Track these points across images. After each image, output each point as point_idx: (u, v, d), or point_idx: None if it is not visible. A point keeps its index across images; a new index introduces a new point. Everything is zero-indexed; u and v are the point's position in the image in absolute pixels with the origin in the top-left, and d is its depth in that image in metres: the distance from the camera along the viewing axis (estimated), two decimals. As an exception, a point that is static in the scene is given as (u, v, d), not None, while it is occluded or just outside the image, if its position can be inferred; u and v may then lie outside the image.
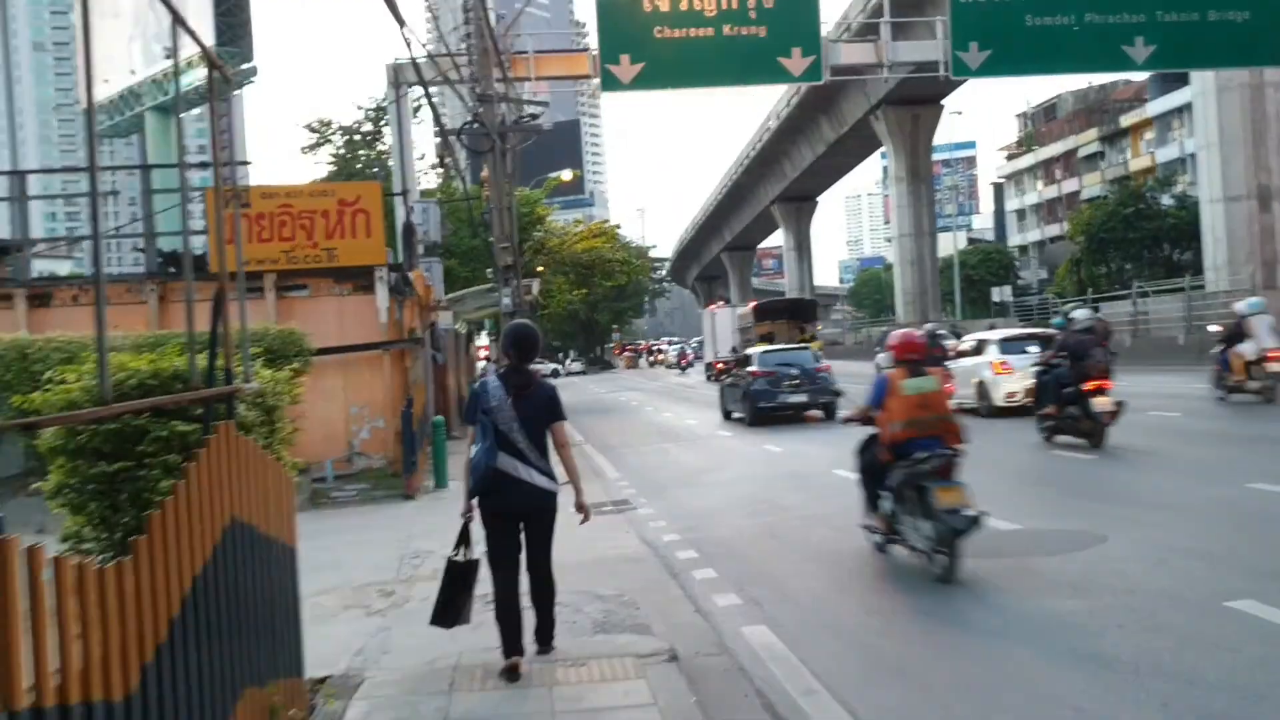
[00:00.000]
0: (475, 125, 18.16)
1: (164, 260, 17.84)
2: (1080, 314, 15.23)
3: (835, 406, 20.26)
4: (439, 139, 19.40)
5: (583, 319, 69.80)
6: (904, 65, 30.18)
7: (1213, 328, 21.87)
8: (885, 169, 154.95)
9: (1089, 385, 13.42)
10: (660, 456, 18.14)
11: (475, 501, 5.83)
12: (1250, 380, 17.31)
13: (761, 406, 20.78)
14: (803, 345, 25.74)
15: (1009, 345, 18.73)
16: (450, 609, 5.92)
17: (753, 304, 43.99)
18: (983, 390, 18.62)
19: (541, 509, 5.90)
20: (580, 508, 6.21)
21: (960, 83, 58.61)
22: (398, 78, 23.02)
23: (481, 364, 41.23)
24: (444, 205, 22.22)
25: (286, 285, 17.59)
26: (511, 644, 5.75)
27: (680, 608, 7.52)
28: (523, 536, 5.95)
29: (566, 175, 43.60)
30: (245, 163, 22.10)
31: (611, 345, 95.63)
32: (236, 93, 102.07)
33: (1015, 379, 17.64)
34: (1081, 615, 6.36)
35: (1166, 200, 59.18)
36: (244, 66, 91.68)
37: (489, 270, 21.32)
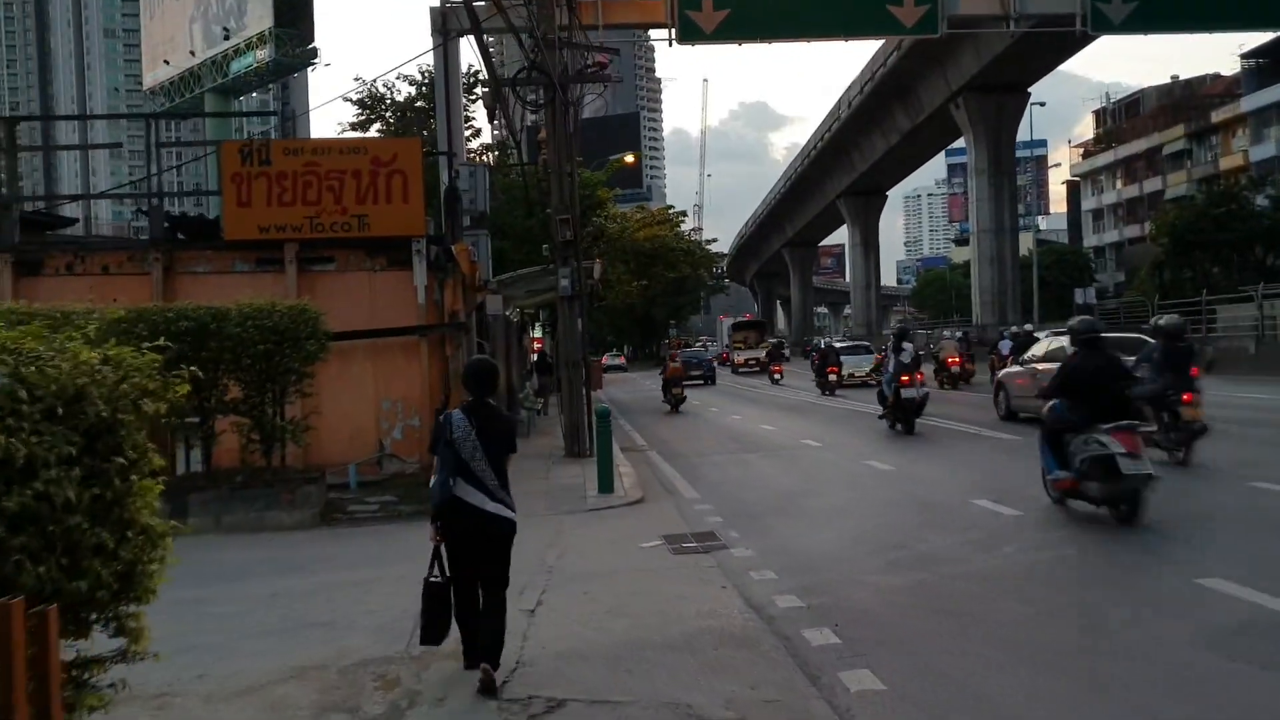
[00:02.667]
0: (533, 73, 15.51)
1: (172, 225, 15.41)
2: (1167, 320, 14.04)
3: None
4: (488, 90, 16.72)
5: (639, 313, 67.01)
6: (1031, 17, 27.03)
7: None
8: (949, 166, 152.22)
9: (1187, 396, 12.68)
10: (741, 470, 15.37)
11: (437, 526, 6.05)
12: None
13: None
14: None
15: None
16: (436, 628, 6.05)
17: (731, 321, 68.46)
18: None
19: (498, 535, 6.01)
20: None
21: (1059, 62, 55.50)
22: (444, 23, 20.43)
23: (534, 358, 38.59)
24: (494, 172, 19.72)
25: (310, 257, 15.11)
26: (472, 652, 5.99)
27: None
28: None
29: (629, 158, 40.93)
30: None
31: (668, 341, 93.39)
32: (297, 75, 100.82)
33: None
34: None
35: (1261, 201, 55.79)
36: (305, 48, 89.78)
37: (545, 247, 18.63)
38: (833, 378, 31.82)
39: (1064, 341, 15.27)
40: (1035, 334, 25.44)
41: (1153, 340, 13.93)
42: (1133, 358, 12.73)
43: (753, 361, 54.25)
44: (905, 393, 18.16)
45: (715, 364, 48.56)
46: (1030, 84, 57.01)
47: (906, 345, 18.99)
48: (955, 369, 30.49)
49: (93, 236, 19.91)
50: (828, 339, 33.15)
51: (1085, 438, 9.25)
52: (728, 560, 8.73)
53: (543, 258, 19.29)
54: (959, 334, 38.59)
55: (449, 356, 15.11)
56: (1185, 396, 12.65)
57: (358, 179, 14.93)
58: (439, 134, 16.67)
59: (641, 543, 9.67)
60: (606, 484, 12.75)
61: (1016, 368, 19.69)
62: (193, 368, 4.23)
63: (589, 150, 33.48)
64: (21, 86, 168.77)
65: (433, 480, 6.04)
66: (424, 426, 14.40)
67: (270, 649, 6.64)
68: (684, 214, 59.22)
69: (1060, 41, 51.12)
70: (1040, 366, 17.69)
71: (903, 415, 18.33)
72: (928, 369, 26.02)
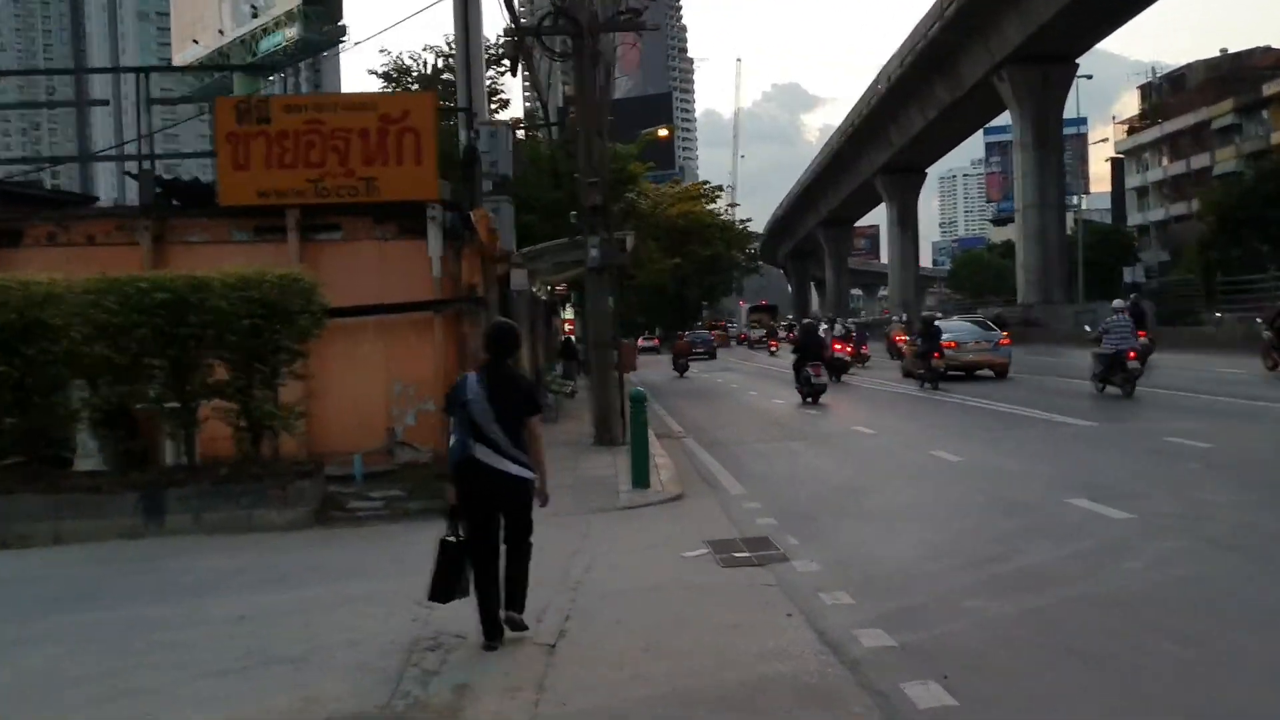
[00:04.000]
0: (559, 20, 13.97)
1: (163, 190, 14.05)
2: (1120, 301, 22.75)
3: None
4: (511, 39, 15.16)
5: (671, 294, 65.39)
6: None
7: None
8: (988, 145, 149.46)
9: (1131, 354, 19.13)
10: (789, 461, 13.87)
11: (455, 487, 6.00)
12: None
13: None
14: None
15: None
16: (447, 587, 5.89)
17: (749, 306, 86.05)
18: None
19: (515, 495, 5.97)
20: (541, 493, 6.12)
21: (1109, 30, 53.34)
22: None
23: (566, 339, 37.04)
24: (521, 142, 18.26)
25: (314, 225, 13.70)
26: (490, 626, 5.88)
27: None
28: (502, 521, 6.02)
29: (662, 131, 39.35)
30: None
31: (700, 323, 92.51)
32: (327, 55, 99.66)
33: None
34: None
35: None
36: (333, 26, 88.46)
37: (572, 214, 17.06)
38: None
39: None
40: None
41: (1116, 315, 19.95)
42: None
43: (762, 338, 68.13)
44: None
45: (715, 342, 59.49)
46: (1078, 55, 55.06)
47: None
48: (900, 345, 34.74)
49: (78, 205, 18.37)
50: (819, 318, 33.34)
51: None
52: (789, 576, 7.24)
53: (572, 228, 17.64)
54: (903, 317, 46.78)
55: (466, 335, 13.69)
56: (1130, 354, 18.90)
57: (365, 138, 13.49)
58: (458, 87, 15.15)
59: (684, 550, 8.20)
60: (641, 477, 11.27)
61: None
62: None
63: (621, 130, 31.97)
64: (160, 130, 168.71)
65: (450, 441, 6.08)
66: (439, 411, 13.00)
67: (220, 695, 5.25)
68: (720, 188, 57.23)
69: (1110, 6, 49.15)
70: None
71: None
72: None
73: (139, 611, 7.10)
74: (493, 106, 28.82)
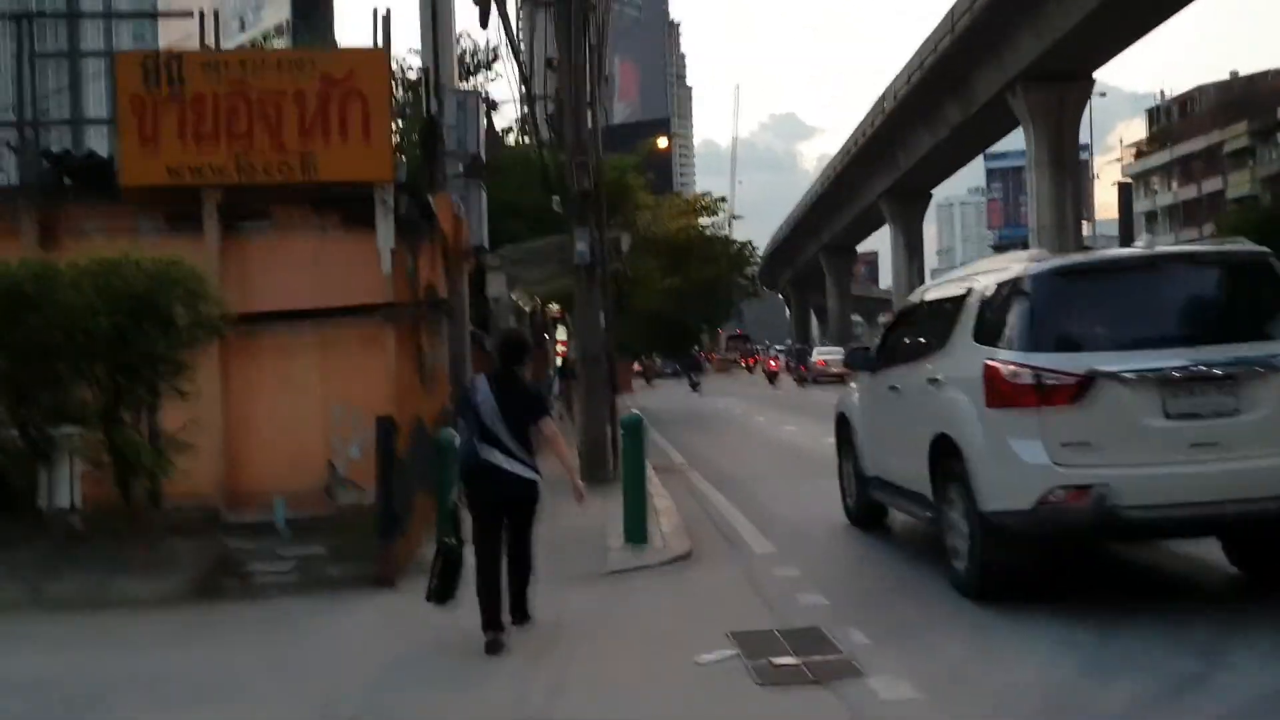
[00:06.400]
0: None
1: (53, 165, 11.44)
2: None
3: None
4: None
5: (669, 318, 62.75)
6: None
7: None
8: (989, 171, 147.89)
9: None
10: (823, 505, 11.19)
11: (463, 490, 6.25)
12: None
13: None
14: None
15: None
16: (443, 589, 6.14)
17: (727, 336, 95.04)
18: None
19: (523, 497, 6.25)
20: (575, 489, 6.59)
21: (1127, 43, 51.23)
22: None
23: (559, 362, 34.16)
24: (491, 103, 15.84)
25: (239, 213, 11.14)
26: (492, 619, 6.01)
27: None
28: (506, 522, 6.28)
29: (663, 142, 36.92)
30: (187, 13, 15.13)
31: (699, 350, 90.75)
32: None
33: None
34: None
35: None
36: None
37: (555, 200, 14.32)
38: None
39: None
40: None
41: None
42: None
43: (737, 359, 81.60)
44: None
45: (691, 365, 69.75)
46: (1093, 70, 52.89)
47: None
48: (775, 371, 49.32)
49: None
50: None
51: None
52: (868, 705, 4.63)
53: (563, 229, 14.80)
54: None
55: (424, 348, 11.10)
56: None
57: (301, 105, 10.93)
58: (421, 42, 12.57)
59: (699, 651, 5.60)
60: (637, 530, 8.60)
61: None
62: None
63: (612, 146, 29.61)
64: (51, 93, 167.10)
65: (458, 442, 6.56)
66: (401, 438, 10.36)
67: None
68: (723, 199, 54.42)
69: (1129, 20, 47.05)
70: None
71: None
72: None
73: None
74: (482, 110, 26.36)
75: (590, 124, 11.70)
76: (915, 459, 7.26)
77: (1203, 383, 6.03)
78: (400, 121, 23.45)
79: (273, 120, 10.92)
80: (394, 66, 23.80)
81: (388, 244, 10.85)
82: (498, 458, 6.04)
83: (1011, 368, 6.25)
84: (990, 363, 6.40)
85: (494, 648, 5.86)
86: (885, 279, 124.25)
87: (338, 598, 7.23)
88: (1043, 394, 6.09)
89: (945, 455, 6.80)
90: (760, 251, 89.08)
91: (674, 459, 16.48)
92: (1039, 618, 6.08)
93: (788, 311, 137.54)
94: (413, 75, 25.81)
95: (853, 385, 10.25)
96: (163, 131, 10.94)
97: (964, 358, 6.85)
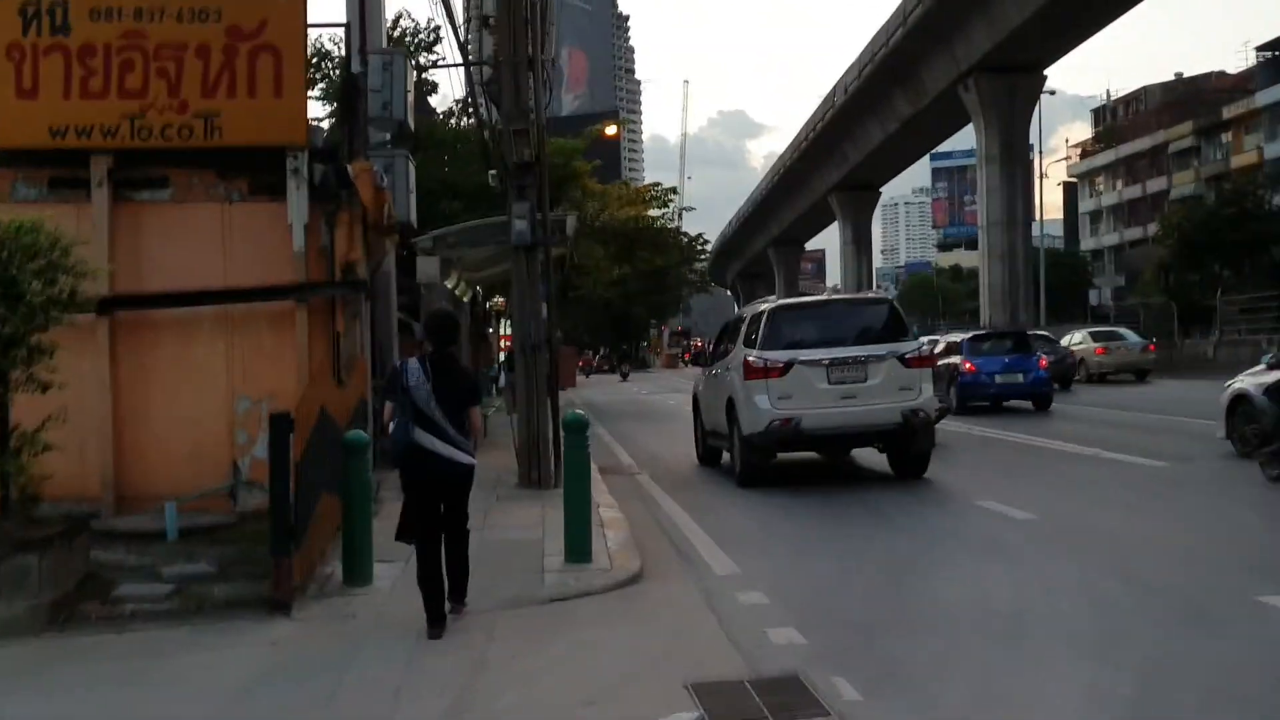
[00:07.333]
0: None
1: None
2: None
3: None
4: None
5: (617, 310, 61.55)
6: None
7: None
8: (934, 170, 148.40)
9: None
10: (787, 517, 10.12)
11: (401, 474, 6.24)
12: None
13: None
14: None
15: None
16: (407, 529, 6.16)
17: (669, 331, 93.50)
18: None
19: (456, 480, 6.18)
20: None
21: (1080, 39, 51.06)
22: None
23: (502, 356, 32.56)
24: (418, 66, 14.44)
25: (133, 179, 9.88)
26: (435, 612, 5.99)
27: None
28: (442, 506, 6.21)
29: (611, 129, 35.77)
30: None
31: (646, 344, 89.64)
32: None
33: None
34: None
35: (1278, 200, 53.54)
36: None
37: (491, 174, 13.07)
38: None
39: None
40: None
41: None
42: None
43: (683, 356, 79.69)
44: None
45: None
46: (1047, 65, 52.65)
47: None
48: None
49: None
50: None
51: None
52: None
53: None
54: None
55: (340, 332, 9.90)
56: None
57: (205, 58, 9.73)
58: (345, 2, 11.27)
59: (652, 708, 4.50)
60: (580, 547, 7.41)
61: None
62: None
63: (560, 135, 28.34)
64: None
65: (390, 426, 6.21)
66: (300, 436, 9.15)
67: None
68: (673, 190, 53.18)
69: (1081, 17, 46.82)
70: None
71: None
72: None
73: None
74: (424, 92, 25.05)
75: (531, 86, 10.54)
76: (720, 413, 12.55)
77: (848, 364, 11.27)
78: (320, 88, 21.91)
79: (172, 76, 9.73)
80: (314, 37, 21.96)
81: (301, 217, 9.68)
82: (434, 443, 5.96)
83: (754, 358, 11.51)
84: (747, 357, 11.61)
85: (435, 636, 5.90)
86: (832, 276, 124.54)
87: (221, 627, 6.06)
88: (767, 372, 11.31)
89: (730, 409, 11.97)
90: (710, 246, 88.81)
91: (622, 459, 15.39)
92: (1050, 652, 5.10)
93: (736, 306, 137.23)
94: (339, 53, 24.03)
95: (702, 374, 14.82)
96: (45, 85, 9.70)
97: (738, 354, 12.02)
